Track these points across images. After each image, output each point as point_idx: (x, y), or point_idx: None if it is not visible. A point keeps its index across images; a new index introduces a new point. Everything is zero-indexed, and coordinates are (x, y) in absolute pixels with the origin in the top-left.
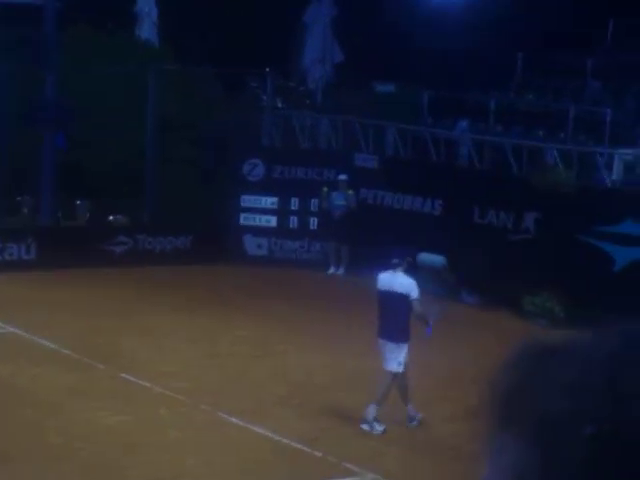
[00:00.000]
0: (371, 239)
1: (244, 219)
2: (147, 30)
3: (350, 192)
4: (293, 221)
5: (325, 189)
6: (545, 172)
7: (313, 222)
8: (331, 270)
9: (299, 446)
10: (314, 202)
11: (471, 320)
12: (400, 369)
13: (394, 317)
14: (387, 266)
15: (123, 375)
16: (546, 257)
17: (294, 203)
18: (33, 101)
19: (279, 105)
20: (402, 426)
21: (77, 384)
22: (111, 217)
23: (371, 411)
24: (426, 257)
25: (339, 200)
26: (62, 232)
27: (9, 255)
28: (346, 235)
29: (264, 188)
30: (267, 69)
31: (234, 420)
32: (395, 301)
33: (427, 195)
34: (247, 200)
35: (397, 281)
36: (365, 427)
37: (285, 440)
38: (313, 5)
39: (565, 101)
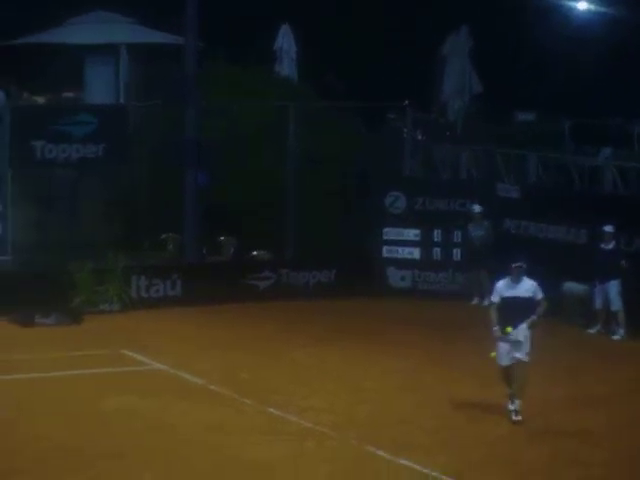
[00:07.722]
0: None
1: (387, 252)
2: (287, 67)
3: (486, 223)
4: (436, 252)
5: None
6: None
7: (457, 253)
8: (475, 300)
9: None
10: (457, 233)
11: (617, 352)
12: None
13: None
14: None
15: (270, 410)
16: None
17: (437, 235)
18: (174, 139)
19: (419, 137)
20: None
21: (224, 419)
22: (255, 252)
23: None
24: (572, 286)
25: (477, 231)
26: (206, 268)
27: (155, 292)
28: (485, 262)
29: (406, 220)
30: (406, 102)
31: (382, 453)
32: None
33: (571, 223)
34: (390, 232)
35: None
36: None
37: (433, 473)
38: (451, 37)
39: None
